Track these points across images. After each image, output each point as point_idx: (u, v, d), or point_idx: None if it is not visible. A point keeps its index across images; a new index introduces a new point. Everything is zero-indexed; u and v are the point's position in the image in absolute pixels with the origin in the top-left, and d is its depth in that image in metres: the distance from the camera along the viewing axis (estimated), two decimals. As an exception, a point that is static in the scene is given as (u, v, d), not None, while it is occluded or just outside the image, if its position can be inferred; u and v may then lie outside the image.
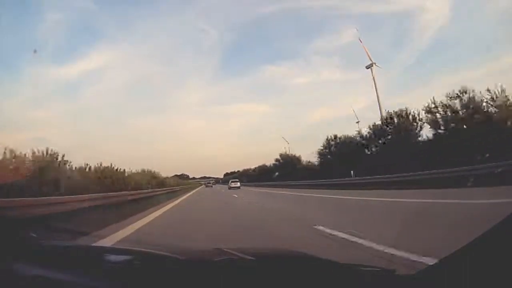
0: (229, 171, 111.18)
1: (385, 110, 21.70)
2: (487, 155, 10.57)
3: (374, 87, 34.16)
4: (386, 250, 2.64)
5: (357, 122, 40.29)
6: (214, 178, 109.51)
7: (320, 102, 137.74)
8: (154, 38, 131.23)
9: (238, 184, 31.45)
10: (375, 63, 35.10)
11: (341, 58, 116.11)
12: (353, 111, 54.54)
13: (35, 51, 59.42)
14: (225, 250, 1.04)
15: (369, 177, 15.67)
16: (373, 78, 34.62)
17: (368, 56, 35.96)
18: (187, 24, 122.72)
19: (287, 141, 53.10)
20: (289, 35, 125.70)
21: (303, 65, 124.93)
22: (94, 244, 2.85)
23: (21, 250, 1.11)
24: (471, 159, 10.52)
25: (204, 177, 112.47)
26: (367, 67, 35.72)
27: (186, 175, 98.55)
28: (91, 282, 0.88)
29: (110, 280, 0.90)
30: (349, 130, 29.59)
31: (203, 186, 55.65)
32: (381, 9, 77.40)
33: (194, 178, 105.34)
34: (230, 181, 33.67)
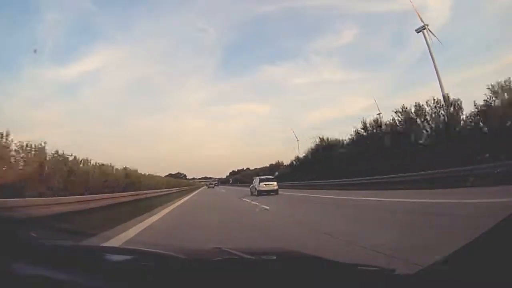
0: (235, 169, 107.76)
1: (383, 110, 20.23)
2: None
3: (430, 55, 27.09)
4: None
5: (379, 114, 37.02)
6: (216, 178, 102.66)
7: (320, 102, 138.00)
8: (153, 38, 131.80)
9: (275, 185, 17.55)
10: (427, 26, 28.06)
11: (341, 58, 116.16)
12: (374, 101, 48.90)
13: (35, 51, 59.54)
14: (225, 249, 1.05)
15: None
16: (427, 43, 27.79)
17: (419, 17, 29.10)
18: (187, 24, 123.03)
19: (296, 137, 47.48)
20: (289, 35, 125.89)
21: (303, 65, 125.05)
22: (94, 244, 2.85)
23: (21, 250, 1.11)
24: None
25: (205, 178, 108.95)
26: (417, 31, 29.08)
27: (182, 174, 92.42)
28: (91, 282, 0.88)
29: (110, 280, 0.90)
30: (349, 131, 26.72)
31: (205, 187, 52.98)
32: (381, 8, 77.50)
33: (194, 178, 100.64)
34: (257, 180, 18.33)
